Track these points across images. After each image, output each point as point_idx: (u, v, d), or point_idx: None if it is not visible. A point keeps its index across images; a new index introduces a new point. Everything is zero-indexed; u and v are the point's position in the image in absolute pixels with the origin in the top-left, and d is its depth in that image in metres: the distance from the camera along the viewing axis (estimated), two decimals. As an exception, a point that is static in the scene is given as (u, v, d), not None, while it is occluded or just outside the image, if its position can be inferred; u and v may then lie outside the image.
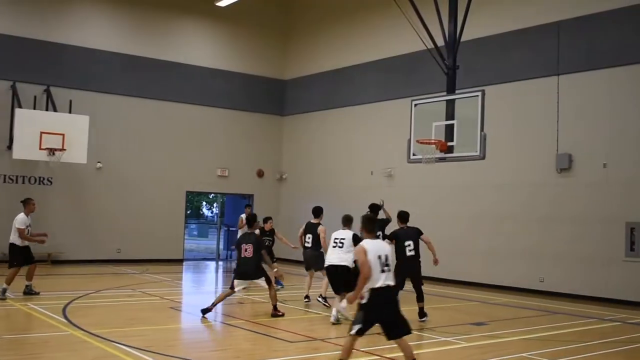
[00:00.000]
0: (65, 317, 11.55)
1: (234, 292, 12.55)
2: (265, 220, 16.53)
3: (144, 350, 9.01)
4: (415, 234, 12.44)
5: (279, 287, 15.82)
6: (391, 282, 7.70)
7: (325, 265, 12.45)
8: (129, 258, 22.22)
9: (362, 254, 7.62)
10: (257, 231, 14.06)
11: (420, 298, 12.31)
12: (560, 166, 17.04)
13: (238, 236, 16.63)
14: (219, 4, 22.92)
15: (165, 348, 9.32)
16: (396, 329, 7.74)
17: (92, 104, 21.81)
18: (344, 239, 12.13)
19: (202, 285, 19.53)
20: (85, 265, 20.92)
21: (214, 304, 12.18)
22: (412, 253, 12.21)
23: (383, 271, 7.63)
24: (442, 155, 13.75)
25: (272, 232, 16.51)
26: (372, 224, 8.14)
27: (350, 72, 23.62)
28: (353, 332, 7.69)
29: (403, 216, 12.76)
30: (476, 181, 18.77)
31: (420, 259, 12.38)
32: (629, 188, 15.82)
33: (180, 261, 23.46)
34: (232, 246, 17.54)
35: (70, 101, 21.44)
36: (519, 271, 17.79)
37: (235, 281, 12.32)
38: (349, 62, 23.65)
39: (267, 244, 15.47)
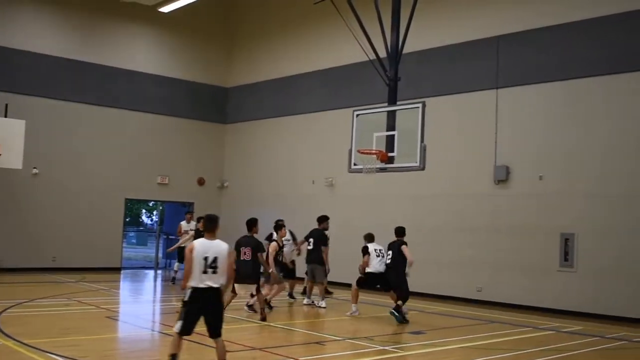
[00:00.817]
0: (-3, 327, 11.26)
1: (236, 295, 13.02)
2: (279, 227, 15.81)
3: (78, 360, 8.81)
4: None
5: None
6: (214, 284, 7.84)
7: None
8: (65, 266, 21.72)
9: (188, 252, 7.93)
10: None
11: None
12: (498, 178, 17.34)
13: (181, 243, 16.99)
14: (162, 9, 22.63)
15: (101, 358, 9.15)
16: (212, 329, 7.97)
17: (29, 108, 21.23)
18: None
19: (139, 294, 19.24)
20: (19, 274, 20.32)
21: None
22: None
23: (205, 272, 7.79)
24: (383, 165, 13.85)
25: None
26: (211, 223, 8.26)
27: (294, 81, 23.64)
28: (176, 329, 7.93)
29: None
30: (416, 192, 18.95)
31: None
32: (564, 200, 16.20)
33: (118, 269, 23.01)
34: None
35: (6, 105, 20.81)
36: (457, 281, 18.02)
37: (236, 285, 12.66)
38: (293, 71, 23.67)
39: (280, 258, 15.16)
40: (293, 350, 10.42)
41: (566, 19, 16.55)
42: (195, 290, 7.82)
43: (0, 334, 10.58)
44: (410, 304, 16.84)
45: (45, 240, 21.79)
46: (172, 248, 20.75)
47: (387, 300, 14.46)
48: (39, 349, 9.45)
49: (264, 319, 12.81)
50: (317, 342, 11.28)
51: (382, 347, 10.89)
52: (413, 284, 16.13)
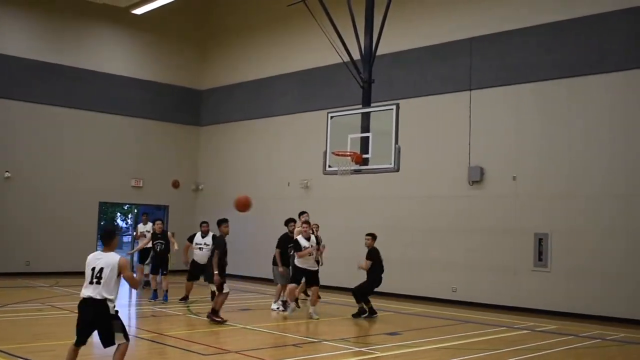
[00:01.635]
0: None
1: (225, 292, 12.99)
2: (290, 221, 15.83)
3: (52, 365, 8.75)
4: None
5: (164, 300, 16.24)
6: (95, 295, 7.69)
7: None
8: (39, 271, 21.51)
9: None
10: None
11: None
12: (472, 179, 17.45)
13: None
14: (135, 11, 22.45)
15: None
16: (104, 339, 7.82)
17: (1, 111, 21.07)
18: None
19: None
20: (-9, 279, 20.17)
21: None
22: None
23: (91, 283, 7.76)
24: (357, 167, 13.85)
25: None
26: (105, 237, 8.30)
27: (268, 83, 23.60)
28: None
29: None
30: (391, 193, 19.01)
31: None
32: (537, 200, 16.34)
33: (92, 274, 22.75)
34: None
35: (-23, 108, 20.75)
36: (432, 281, 18.10)
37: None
38: (267, 74, 23.64)
39: (291, 253, 14.99)
40: (269, 353, 10.40)
41: (535, 22, 16.71)
42: (82, 300, 7.82)
43: (-28, 341, 10.48)
44: (386, 304, 16.91)
45: (18, 244, 21.53)
46: (131, 251, 20.91)
47: (350, 301, 14.45)
48: (13, 355, 9.36)
49: (217, 320, 12.84)
50: (293, 345, 11.27)
51: (358, 349, 10.91)
52: (388, 285, 16.22)
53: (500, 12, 17.47)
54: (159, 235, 16.93)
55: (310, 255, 14.32)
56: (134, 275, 8.58)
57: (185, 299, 16.18)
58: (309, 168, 20.52)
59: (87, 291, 7.70)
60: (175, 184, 25.60)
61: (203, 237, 16.05)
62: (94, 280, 7.71)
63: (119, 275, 7.75)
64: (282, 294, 15.22)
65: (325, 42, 15.90)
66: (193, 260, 16.14)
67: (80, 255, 23.66)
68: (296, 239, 14.50)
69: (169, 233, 17.60)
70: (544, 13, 16.59)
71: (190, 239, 16.35)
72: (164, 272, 16.71)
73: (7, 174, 21.35)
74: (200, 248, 15.96)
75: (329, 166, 14.33)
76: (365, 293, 14.67)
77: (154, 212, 25.57)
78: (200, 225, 16.42)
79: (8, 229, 21.45)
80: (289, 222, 15.66)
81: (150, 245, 17.11)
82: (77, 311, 7.82)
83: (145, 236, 18.20)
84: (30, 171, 22.00)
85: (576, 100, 15.96)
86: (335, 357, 10.34)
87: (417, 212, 18.62)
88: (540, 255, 16.14)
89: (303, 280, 14.72)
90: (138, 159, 24.67)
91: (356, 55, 15.15)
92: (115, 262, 7.76)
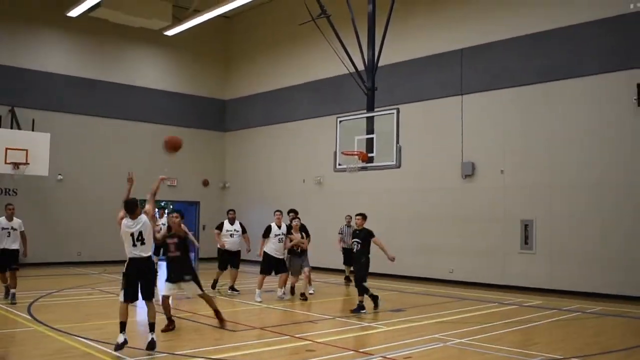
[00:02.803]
0: (30, 314, 11.19)
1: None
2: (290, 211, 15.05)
3: (101, 342, 8.81)
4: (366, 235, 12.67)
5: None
6: (143, 254, 8.33)
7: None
8: (89, 260, 21.65)
9: (118, 225, 8.48)
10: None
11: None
12: (465, 173, 17.39)
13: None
14: (166, 33, 22.56)
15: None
16: (146, 291, 8.35)
17: (52, 122, 21.20)
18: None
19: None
20: (48, 268, 20.28)
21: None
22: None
23: (135, 245, 8.28)
24: (364, 164, 13.83)
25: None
26: (131, 207, 8.54)
27: (284, 93, 23.61)
28: (121, 299, 8.29)
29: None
30: (393, 187, 18.98)
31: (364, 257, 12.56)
32: (522, 191, 16.27)
33: (134, 262, 22.83)
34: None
35: (33, 120, 20.85)
36: (432, 264, 18.06)
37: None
38: (282, 84, 23.64)
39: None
40: (289, 328, 10.41)
41: (517, 33, 16.62)
42: (130, 260, 8.36)
43: (33, 320, 10.57)
44: (391, 285, 16.90)
45: (71, 237, 21.72)
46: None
47: (372, 283, 14.28)
48: (67, 333, 9.47)
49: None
50: (310, 321, 11.27)
51: (367, 324, 10.90)
52: (392, 267, 16.20)
53: (486, 26, 17.38)
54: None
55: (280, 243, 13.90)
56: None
57: (214, 285, 14.91)
58: (321, 166, 20.51)
59: (136, 250, 8.26)
60: (205, 183, 25.69)
61: (231, 224, 14.87)
62: (137, 242, 8.27)
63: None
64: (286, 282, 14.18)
65: (333, 56, 15.89)
66: (223, 250, 14.76)
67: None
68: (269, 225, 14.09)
69: (183, 226, 16.42)
70: (525, 25, 16.49)
71: (219, 227, 14.91)
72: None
73: (59, 177, 21.51)
74: (231, 235, 14.75)
75: (339, 164, 14.31)
76: (363, 279, 12.48)
77: (187, 208, 25.68)
78: (227, 213, 15.30)
79: (61, 224, 21.62)
80: (289, 212, 15.00)
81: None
82: (123, 272, 8.34)
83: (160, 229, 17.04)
84: (79, 174, 22.14)
85: (554, 102, 15.87)
86: (347, 331, 10.34)
87: (416, 203, 18.58)
88: (526, 239, 16.07)
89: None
90: (172, 161, 24.67)
91: (360, 66, 15.13)
92: (146, 221, 8.46)
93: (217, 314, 10.24)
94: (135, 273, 8.28)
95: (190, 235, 13.30)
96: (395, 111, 13.40)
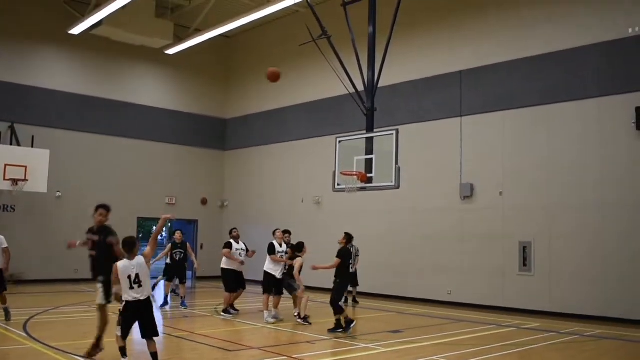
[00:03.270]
0: (26, 332, 11.13)
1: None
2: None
3: (97, 361, 8.73)
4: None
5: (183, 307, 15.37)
6: (141, 296, 8.05)
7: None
8: (85, 277, 21.45)
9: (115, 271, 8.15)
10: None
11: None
12: (463, 194, 17.40)
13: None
14: (167, 52, 22.70)
15: (117, 358, 9.01)
16: (149, 330, 8.11)
17: (52, 139, 21.23)
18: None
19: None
20: (45, 285, 20.19)
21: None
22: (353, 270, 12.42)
23: (132, 288, 8.01)
24: (363, 185, 13.83)
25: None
26: (130, 246, 8.32)
27: (284, 113, 23.68)
28: (118, 333, 8.11)
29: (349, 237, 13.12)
30: (392, 207, 18.97)
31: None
32: (521, 212, 16.26)
33: (131, 280, 22.71)
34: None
35: (33, 136, 20.88)
36: (430, 284, 18.00)
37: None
38: (282, 104, 23.72)
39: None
40: (287, 349, 10.35)
41: (516, 56, 16.73)
42: (128, 302, 8.09)
43: (29, 338, 10.50)
44: (389, 306, 16.82)
45: (68, 254, 21.23)
46: (153, 261, 19.23)
47: (371, 304, 14.33)
48: (63, 351, 9.42)
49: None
50: (307, 342, 11.21)
51: (365, 345, 10.84)
52: (389, 288, 16.16)
53: (484, 49, 17.49)
54: (179, 245, 16.03)
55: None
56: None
57: (228, 311, 14.21)
58: (320, 186, 20.52)
59: (133, 293, 8.00)
60: (204, 201, 25.68)
61: (237, 242, 14.70)
62: (135, 285, 8.00)
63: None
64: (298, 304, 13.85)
65: (333, 76, 15.93)
66: (231, 270, 14.39)
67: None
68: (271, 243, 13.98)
69: (188, 244, 16.54)
70: (524, 48, 16.60)
71: (228, 246, 14.50)
72: (183, 281, 15.93)
73: (58, 194, 21.49)
74: (240, 254, 14.53)
75: (338, 184, 14.31)
76: (338, 299, 12.20)
77: (185, 226, 25.66)
78: (231, 232, 15.13)
79: (59, 240, 21.48)
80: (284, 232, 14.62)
81: (167, 255, 16.20)
82: (120, 312, 8.18)
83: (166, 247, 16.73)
84: (78, 191, 22.08)
85: (553, 124, 15.91)
86: (345, 352, 10.29)
87: (415, 224, 18.56)
88: (525, 261, 16.04)
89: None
90: (171, 179, 24.76)
91: (360, 87, 15.18)
92: (143, 263, 8.19)
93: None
94: (131, 316, 8.08)
95: (190, 251, 13.85)
96: (394, 132, 13.41)
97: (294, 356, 9.54)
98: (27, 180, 18.76)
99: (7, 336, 10.75)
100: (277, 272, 13.78)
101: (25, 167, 18.80)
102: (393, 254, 18.78)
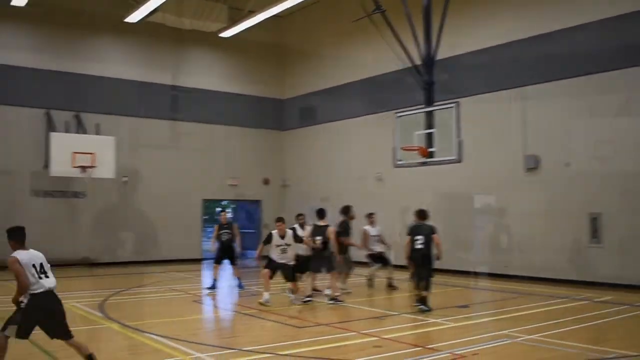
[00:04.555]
0: (102, 312, 11.50)
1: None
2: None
3: (171, 338, 8.99)
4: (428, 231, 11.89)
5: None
6: (50, 285, 6.76)
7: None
8: (154, 259, 22.07)
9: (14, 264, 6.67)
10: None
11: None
12: (528, 166, 16.95)
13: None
14: (222, 34, 22.80)
15: (189, 336, 9.24)
16: (57, 330, 6.91)
17: (117, 126, 21.72)
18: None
19: (219, 281, 19.32)
20: (115, 267, 20.79)
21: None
22: (421, 247, 11.80)
23: (40, 278, 6.74)
24: (424, 160, 13.67)
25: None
26: (20, 236, 6.97)
27: (341, 90, 23.54)
28: (7, 332, 6.75)
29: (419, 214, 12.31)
30: (454, 181, 18.61)
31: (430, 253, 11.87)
32: (589, 183, 15.70)
33: (199, 260, 23.30)
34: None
35: (98, 124, 21.42)
36: (496, 258, 17.67)
37: None
38: (339, 82, 23.57)
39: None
40: (355, 325, 10.35)
41: (584, 20, 16.08)
42: (35, 295, 6.73)
43: (106, 319, 10.85)
44: (455, 280, 16.64)
45: (136, 236, 22.22)
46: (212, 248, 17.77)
47: (436, 279, 14.00)
48: (139, 330, 9.71)
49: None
50: (376, 317, 11.20)
51: (434, 320, 10.75)
52: (457, 263, 15.97)
53: (550, 12, 16.85)
54: (225, 226, 15.13)
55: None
56: None
57: (309, 297, 12.96)
58: (381, 162, 20.31)
59: (46, 283, 6.81)
60: (266, 181, 25.89)
61: (282, 237, 12.77)
62: (42, 275, 6.79)
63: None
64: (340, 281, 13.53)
65: (389, 51, 15.72)
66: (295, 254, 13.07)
67: (188, 245, 24.48)
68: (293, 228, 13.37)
69: (234, 225, 15.43)
70: (589, 12, 15.93)
71: (268, 240, 12.90)
72: (234, 263, 15.14)
73: (125, 179, 21.98)
74: (282, 250, 12.75)
75: (399, 160, 14.18)
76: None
77: (248, 207, 26.05)
78: (297, 218, 14.52)
79: (127, 223, 22.17)
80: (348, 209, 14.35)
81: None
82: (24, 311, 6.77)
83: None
84: (144, 175, 22.62)
85: (623, 91, 15.26)
86: (417, 327, 10.28)
87: (478, 198, 18.22)
88: (595, 232, 15.54)
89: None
90: (233, 161, 25.06)
91: (417, 61, 14.93)
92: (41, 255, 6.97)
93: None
94: (38, 311, 6.74)
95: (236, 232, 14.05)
96: (454, 105, 13.14)
97: (362, 332, 9.55)
98: (95, 166, 19.28)
99: (85, 317, 11.09)
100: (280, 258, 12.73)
101: (93, 154, 19.30)
102: (458, 228, 18.46)
